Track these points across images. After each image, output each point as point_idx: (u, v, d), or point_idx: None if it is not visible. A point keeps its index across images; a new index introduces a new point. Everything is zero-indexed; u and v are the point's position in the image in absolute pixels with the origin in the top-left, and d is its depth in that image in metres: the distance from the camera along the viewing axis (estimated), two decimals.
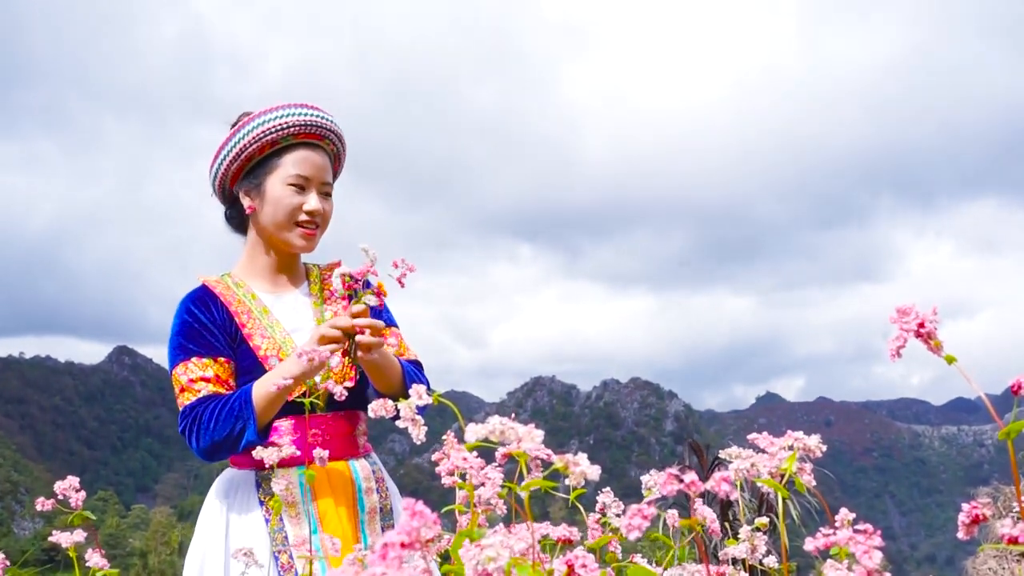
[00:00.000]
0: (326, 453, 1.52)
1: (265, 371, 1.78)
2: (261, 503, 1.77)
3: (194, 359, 1.79)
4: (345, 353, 1.68)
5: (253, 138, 1.86)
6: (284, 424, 1.79)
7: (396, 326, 2.01)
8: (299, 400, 1.68)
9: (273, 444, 1.60)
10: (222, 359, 1.81)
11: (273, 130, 1.85)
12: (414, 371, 1.89)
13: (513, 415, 0.71)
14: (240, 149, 1.88)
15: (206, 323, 1.84)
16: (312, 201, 1.87)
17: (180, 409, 1.77)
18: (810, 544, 0.54)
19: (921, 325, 0.64)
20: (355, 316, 1.70)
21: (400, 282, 1.61)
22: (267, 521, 1.75)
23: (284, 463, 1.67)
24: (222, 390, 1.78)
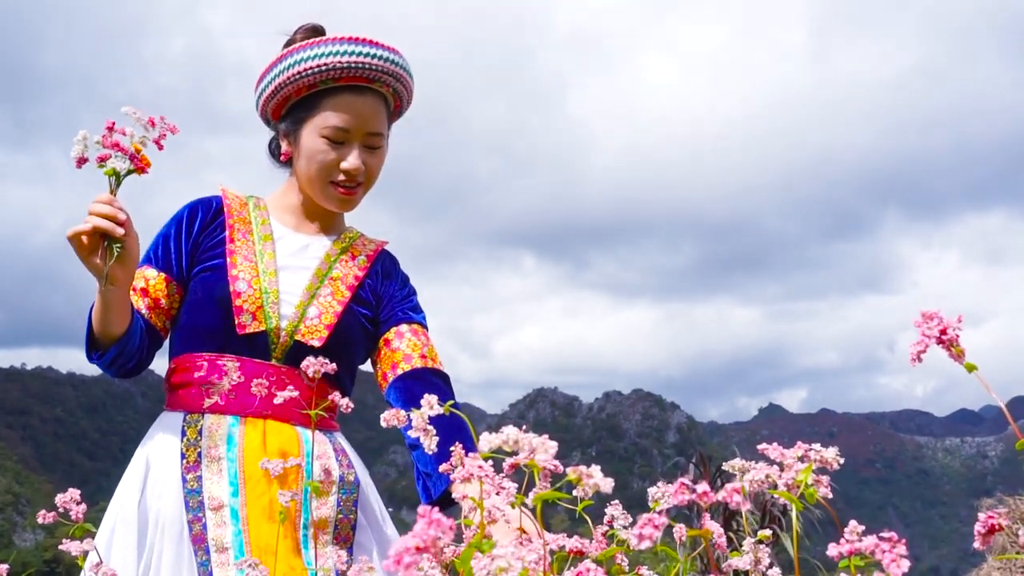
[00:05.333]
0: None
1: (228, 286, 1.52)
2: (182, 455, 1.46)
3: (145, 266, 1.56)
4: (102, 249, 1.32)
5: (288, 77, 1.55)
6: (230, 364, 1.49)
7: (421, 323, 1.67)
8: (252, 333, 1.50)
9: (208, 382, 1.49)
10: (163, 274, 1.56)
11: (311, 71, 1.53)
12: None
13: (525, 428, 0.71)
14: (276, 87, 1.57)
15: (180, 233, 1.60)
16: (351, 158, 1.56)
17: None
18: (833, 550, 0.54)
19: (943, 331, 0.64)
20: (99, 203, 1.30)
21: (158, 144, 1.32)
22: (184, 479, 1.44)
23: (217, 409, 1.48)
24: (142, 303, 1.53)
